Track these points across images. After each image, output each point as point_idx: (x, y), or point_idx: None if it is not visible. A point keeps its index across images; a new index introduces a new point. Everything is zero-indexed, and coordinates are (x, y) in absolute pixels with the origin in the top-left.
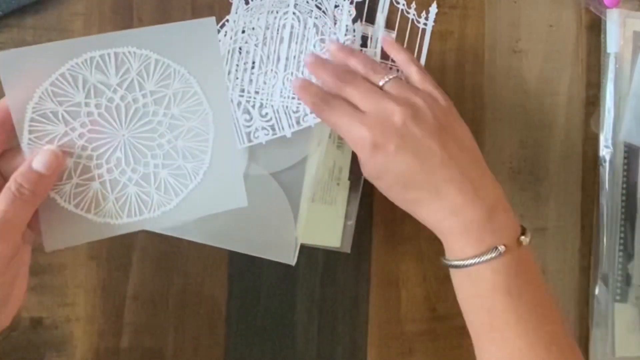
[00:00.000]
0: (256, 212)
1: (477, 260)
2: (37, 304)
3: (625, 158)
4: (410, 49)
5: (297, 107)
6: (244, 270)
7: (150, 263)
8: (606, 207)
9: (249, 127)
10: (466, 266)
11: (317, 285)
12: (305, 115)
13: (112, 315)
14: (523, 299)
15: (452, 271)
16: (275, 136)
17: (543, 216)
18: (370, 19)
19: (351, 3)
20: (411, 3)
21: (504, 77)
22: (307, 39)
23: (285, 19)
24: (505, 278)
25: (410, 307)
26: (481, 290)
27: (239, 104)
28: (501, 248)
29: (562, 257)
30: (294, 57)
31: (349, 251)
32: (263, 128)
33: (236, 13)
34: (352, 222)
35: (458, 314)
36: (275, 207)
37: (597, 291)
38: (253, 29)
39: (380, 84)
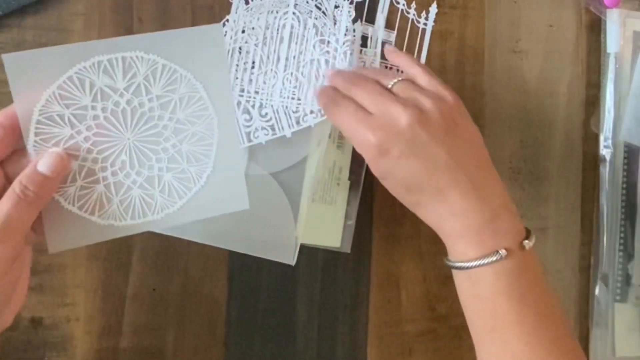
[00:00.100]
0: (256, 212)
1: (478, 262)
2: (37, 304)
3: (625, 158)
4: (410, 49)
5: (297, 107)
6: (244, 270)
7: (150, 263)
8: (606, 207)
9: (248, 127)
10: (467, 268)
11: (317, 285)
12: (305, 115)
13: (112, 315)
14: (525, 302)
15: (454, 272)
16: (275, 136)
17: (543, 216)
18: (370, 19)
19: (351, 3)
20: (411, 3)
21: (504, 77)
22: (307, 39)
23: (285, 19)
24: (507, 281)
25: (410, 307)
26: (483, 292)
27: (239, 103)
28: (502, 252)
29: (562, 257)
30: (294, 57)
31: (349, 251)
32: (263, 128)
33: (236, 13)
34: (352, 222)
35: (458, 314)
36: (275, 207)
37: (597, 291)
38: (253, 28)
39: (389, 85)
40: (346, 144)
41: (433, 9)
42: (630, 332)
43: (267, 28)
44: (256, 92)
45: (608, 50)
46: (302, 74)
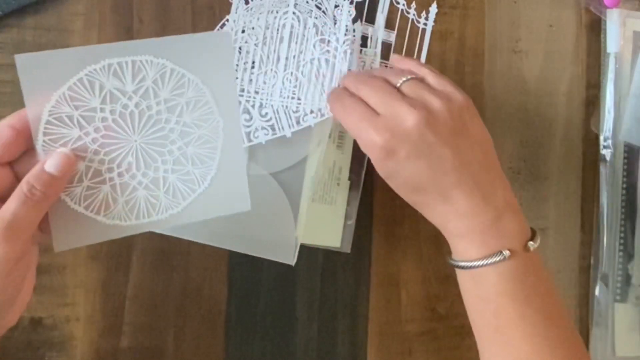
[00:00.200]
0: (256, 212)
1: (481, 262)
2: (37, 304)
3: (625, 158)
4: (410, 49)
5: (297, 107)
6: (244, 270)
7: (150, 263)
8: (606, 207)
9: (248, 126)
10: (470, 267)
11: (317, 285)
12: (305, 115)
13: (112, 315)
14: (528, 302)
15: (458, 272)
16: (275, 136)
17: (543, 216)
18: (370, 19)
19: (351, 3)
20: (411, 3)
21: (504, 77)
22: (307, 39)
23: (285, 18)
24: (510, 282)
25: (410, 307)
26: (486, 292)
27: (239, 103)
28: (506, 252)
29: (562, 257)
30: (294, 56)
31: (349, 251)
32: (263, 128)
33: (236, 13)
34: (352, 222)
35: (458, 314)
36: (275, 207)
37: (597, 291)
38: (253, 28)
39: (398, 84)
40: (346, 144)
41: (433, 9)
42: (630, 332)
43: (267, 28)
44: (256, 92)
45: (608, 50)
46: (302, 73)
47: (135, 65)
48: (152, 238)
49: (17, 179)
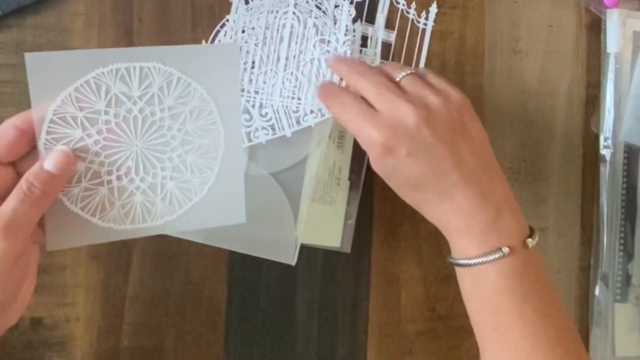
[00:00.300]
0: (256, 212)
1: (481, 260)
2: (37, 304)
3: (625, 158)
4: (410, 49)
5: (297, 107)
6: (244, 270)
7: (150, 263)
8: (606, 207)
9: (249, 126)
10: (470, 265)
11: (317, 285)
12: (305, 115)
13: (112, 315)
14: (528, 300)
15: (458, 270)
16: (275, 136)
17: (543, 216)
18: (370, 19)
19: (351, 3)
20: (411, 3)
21: (504, 77)
22: (307, 39)
23: (285, 18)
24: (509, 279)
25: (410, 307)
26: (485, 290)
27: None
28: (505, 250)
29: (562, 257)
30: (294, 56)
31: (349, 251)
32: (263, 128)
33: (236, 13)
34: (352, 222)
35: (458, 314)
36: (275, 207)
37: (597, 291)
38: (253, 28)
39: (397, 79)
40: (346, 144)
41: (433, 9)
42: (630, 332)
43: (267, 28)
44: (256, 92)
45: (608, 50)
46: (302, 73)
47: (143, 71)
48: (152, 238)
49: (20, 179)
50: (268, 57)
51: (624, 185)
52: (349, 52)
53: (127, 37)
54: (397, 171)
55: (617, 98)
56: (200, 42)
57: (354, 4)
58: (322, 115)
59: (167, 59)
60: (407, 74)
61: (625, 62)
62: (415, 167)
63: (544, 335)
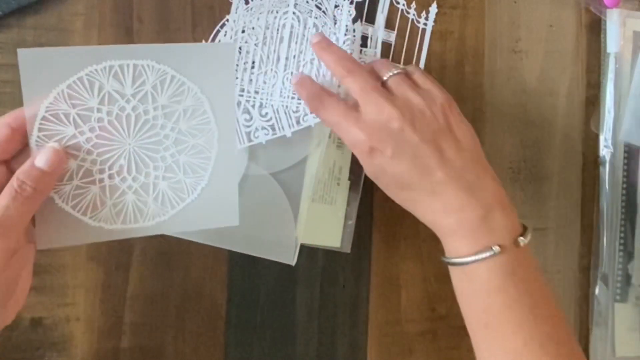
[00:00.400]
0: (256, 212)
1: (472, 258)
2: (37, 304)
3: (625, 158)
4: (410, 49)
5: (297, 107)
6: (244, 270)
7: (150, 263)
8: (606, 207)
9: (249, 127)
10: (462, 264)
11: (317, 285)
12: (305, 115)
13: (112, 315)
14: (520, 298)
15: (451, 268)
16: (275, 136)
17: (543, 216)
18: (370, 19)
19: (351, 3)
20: (411, 3)
21: (504, 77)
22: (307, 39)
23: (285, 18)
24: (501, 277)
25: (410, 307)
26: (478, 288)
27: (239, 103)
28: (495, 249)
29: (562, 257)
30: (294, 56)
31: (349, 251)
32: (263, 128)
33: (236, 13)
34: (352, 222)
35: (458, 314)
36: (275, 207)
37: (597, 291)
38: (253, 28)
39: (384, 78)
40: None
41: (433, 9)
42: (630, 332)
43: (267, 28)
44: (256, 92)
45: (608, 50)
46: (302, 73)
47: (137, 69)
48: (153, 238)
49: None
50: (268, 57)
51: (624, 185)
52: (348, 52)
53: (127, 37)
54: (384, 172)
55: (617, 98)
56: (200, 42)
57: (354, 4)
58: None
59: (161, 57)
60: (395, 74)
61: (625, 62)
62: (401, 168)
63: (536, 332)
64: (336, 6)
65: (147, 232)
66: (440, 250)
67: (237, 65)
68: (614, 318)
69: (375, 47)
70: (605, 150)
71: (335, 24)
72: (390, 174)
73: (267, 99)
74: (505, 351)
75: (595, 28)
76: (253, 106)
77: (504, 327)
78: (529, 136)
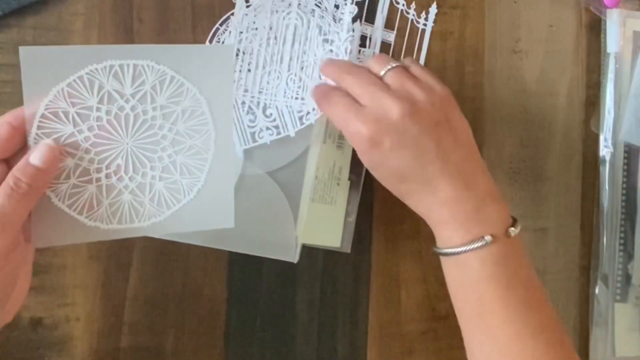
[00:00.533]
0: (254, 212)
1: (464, 248)
2: (37, 304)
3: (625, 158)
4: (410, 49)
5: (301, 107)
6: (244, 270)
7: (150, 263)
8: (606, 207)
9: (253, 127)
10: (454, 254)
11: (317, 285)
12: (308, 113)
13: (112, 315)
14: (511, 288)
15: (443, 260)
16: (279, 136)
17: (543, 216)
18: (370, 19)
19: (352, 3)
20: (411, 3)
21: (504, 77)
22: (310, 39)
23: (289, 19)
24: (492, 267)
25: (410, 307)
26: (469, 278)
27: (243, 103)
28: (488, 238)
29: (562, 257)
30: (297, 57)
31: (349, 251)
32: (267, 128)
33: (239, 13)
34: (352, 222)
35: None
36: (274, 207)
37: (597, 291)
38: (256, 29)
39: (381, 73)
40: (346, 144)
41: (433, 9)
42: (630, 332)
43: (271, 28)
44: (260, 92)
45: (608, 50)
46: (305, 74)
47: (137, 69)
48: (153, 238)
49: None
50: (272, 57)
51: (624, 185)
52: (348, 48)
53: (127, 37)
54: (382, 163)
55: (617, 98)
56: (200, 42)
57: (354, 3)
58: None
59: (161, 57)
60: (392, 67)
61: (625, 62)
62: (400, 159)
63: (527, 321)
64: (336, 6)
65: (143, 232)
66: None
67: (240, 65)
68: (614, 318)
69: (374, 48)
70: (605, 150)
71: (336, 22)
72: (389, 166)
73: (271, 99)
74: (496, 340)
75: (595, 28)
76: (257, 106)
77: (496, 317)
78: (528, 136)
